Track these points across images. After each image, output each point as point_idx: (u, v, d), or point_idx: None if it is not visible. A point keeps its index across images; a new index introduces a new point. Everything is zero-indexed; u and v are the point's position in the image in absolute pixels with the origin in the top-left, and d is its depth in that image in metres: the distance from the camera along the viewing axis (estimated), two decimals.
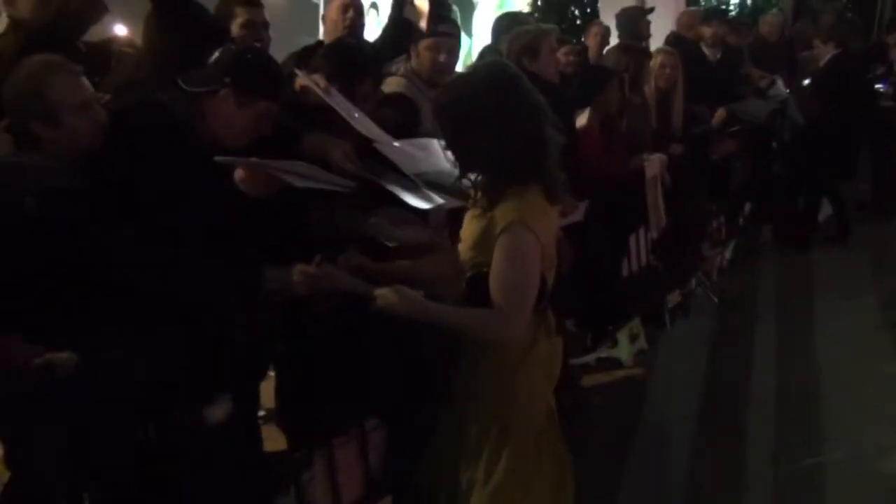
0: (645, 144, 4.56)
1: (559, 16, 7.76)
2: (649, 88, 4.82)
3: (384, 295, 2.05)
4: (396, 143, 2.51)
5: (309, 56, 2.99)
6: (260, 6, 3.35)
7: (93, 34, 3.11)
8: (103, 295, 2.01)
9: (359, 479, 2.68)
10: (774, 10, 8.29)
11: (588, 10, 8.00)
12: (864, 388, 4.10)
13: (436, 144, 2.29)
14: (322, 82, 2.48)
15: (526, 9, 7.91)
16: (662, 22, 6.16)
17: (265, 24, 3.31)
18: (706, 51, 5.94)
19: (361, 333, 2.50)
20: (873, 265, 6.07)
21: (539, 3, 8.01)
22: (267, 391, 2.90)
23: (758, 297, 5.60)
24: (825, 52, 6.27)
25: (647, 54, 4.86)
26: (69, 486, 2.03)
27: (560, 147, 2.08)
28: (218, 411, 2.27)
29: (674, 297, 5.05)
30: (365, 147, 2.46)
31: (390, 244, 2.39)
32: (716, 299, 5.37)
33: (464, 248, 2.13)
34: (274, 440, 2.84)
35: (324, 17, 3.96)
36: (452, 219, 2.50)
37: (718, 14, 6.77)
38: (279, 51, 3.16)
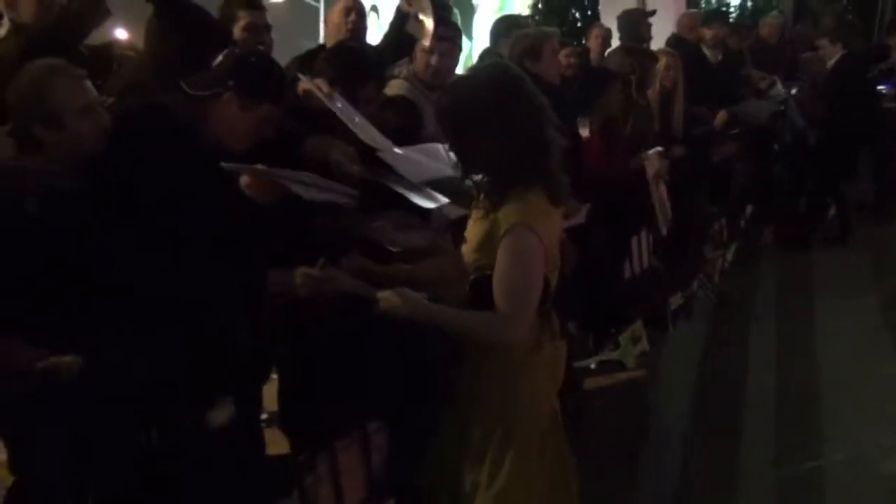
0: (648, 146, 4.57)
1: (560, 18, 7.76)
2: (653, 91, 4.82)
3: (387, 297, 2.05)
4: (400, 151, 2.51)
5: (312, 60, 2.99)
6: (262, 9, 3.35)
7: (94, 38, 3.11)
8: (106, 297, 2.01)
9: (362, 481, 2.68)
10: (774, 13, 8.29)
11: (589, 13, 8.00)
12: (865, 389, 4.11)
13: (440, 149, 2.29)
14: (325, 87, 2.48)
15: (526, 11, 7.92)
16: (663, 24, 6.16)
17: (267, 27, 3.32)
18: (707, 52, 5.95)
19: (364, 335, 2.50)
20: (873, 266, 6.07)
21: (540, 5, 8.01)
22: (269, 394, 2.91)
23: (759, 299, 5.60)
24: (833, 53, 6.28)
25: (653, 56, 4.86)
26: (72, 490, 2.03)
27: (563, 149, 2.08)
28: (220, 415, 2.26)
29: (676, 300, 5.05)
30: (368, 151, 2.47)
31: (393, 249, 2.39)
32: (717, 301, 5.37)
33: (467, 250, 2.13)
34: (276, 443, 2.84)
35: (325, 21, 3.97)
36: (455, 221, 2.51)
37: (719, 16, 6.77)
38: (279, 54, 3.16)
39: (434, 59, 3.19)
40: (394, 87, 3.12)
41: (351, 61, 2.66)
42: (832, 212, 6.77)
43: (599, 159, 4.07)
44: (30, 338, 1.92)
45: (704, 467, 3.47)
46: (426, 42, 3.19)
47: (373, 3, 6.08)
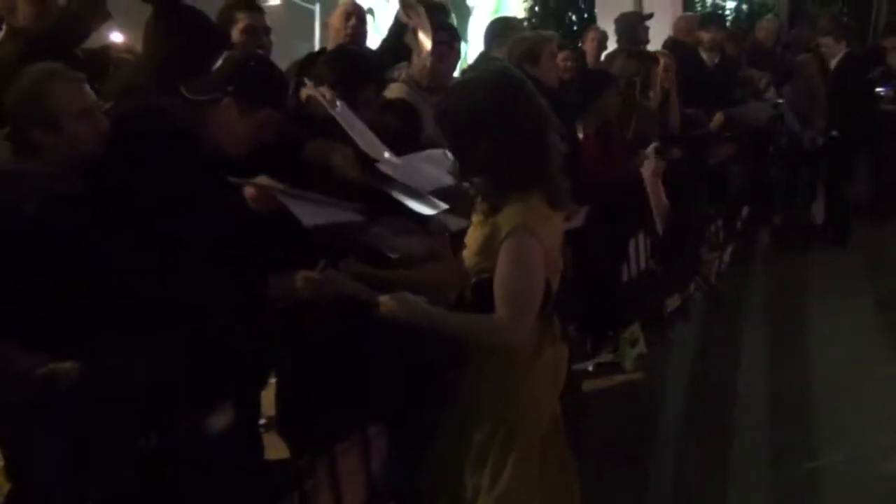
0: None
1: (556, 21, 7.78)
2: (655, 93, 4.83)
3: (386, 301, 2.05)
4: (400, 161, 2.50)
5: (312, 64, 2.98)
6: (261, 11, 3.34)
7: (89, 42, 3.11)
8: (104, 301, 2.00)
9: (362, 485, 2.67)
10: (770, 16, 8.31)
11: (585, 16, 8.02)
12: (863, 390, 4.11)
13: (442, 155, 2.29)
14: (329, 94, 2.48)
15: (522, 14, 7.93)
16: (659, 27, 6.18)
17: (266, 30, 3.31)
18: (704, 55, 5.96)
19: (363, 339, 2.49)
20: (871, 267, 6.09)
21: (536, 8, 8.03)
22: (266, 398, 2.89)
23: (756, 301, 5.61)
24: (836, 51, 6.32)
25: (655, 59, 4.87)
26: (71, 497, 2.02)
27: (563, 154, 2.08)
28: (220, 420, 2.25)
29: (673, 302, 5.07)
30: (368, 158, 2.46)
31: (392, 255, 2.38)
32: (715, 303, 5.38)
33: (468, 254, 2.13)
34: (275, 448, 2.83)
35: (325, 24, 3.97)
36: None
37: (716, 19, 6.80)
38: (275, 57, 3.15)
39: (432, 63, 3.19)
40: (392, 91, 3.12)
41: (351, 65, 2.65)
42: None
43: (596, 162, 4.07)
44: (28, 342, 1.91)
45: (702, 468, 3.47)
46: (424, 56, 3.19)
47: (368, 6, 6.08)
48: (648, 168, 4.43)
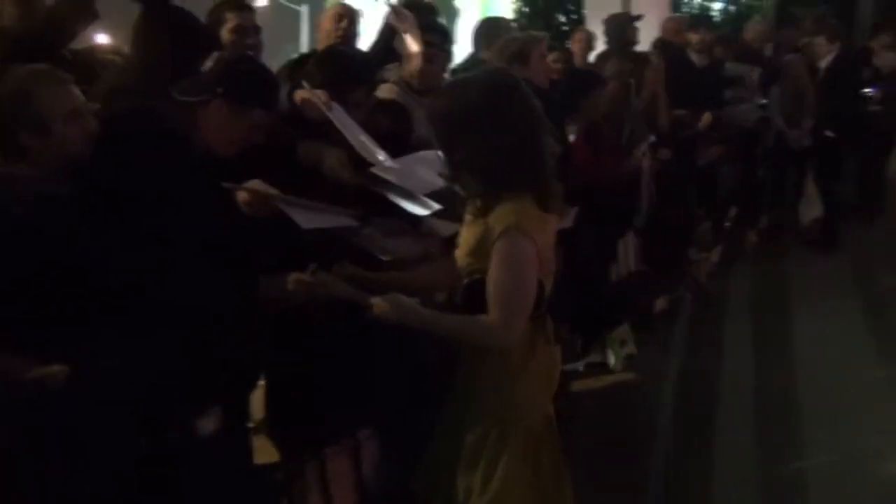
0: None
1: (545, 22, 7.78)
2: (646, 93, 4.85)
3: (378, 303, 2.04)
4: (395, 165, 2.49)
5: (303, 65, 2.97)
6: (251, 10, 3.32)
7: (75, 43, 3.08)
8: (94, 303, 1.98)
9: (352, 489, 2.67)
10: (757, 17, 8.35)
11: (573, 16, 8.03)
12: (848, 391, 4.15)
13: (434, 157, 2.28)
14: (325, 97, 2.46)
15: (510, 15, 7.93)
16: (647, 28, 6.19)
17: (256, 29, 3.29)
18: (693, 57, 5.98)
19: (355, 341, 2.48)
20: (858, 268, 6.13)
21: (524, 9, 8.03)
22: (256, 401, 2.87)
23: (745, 301, 5.64)
24: (827, 52, 6.36)
25: (647, 60, 4.88)
26: (63, 498, 1.99)
27: (556, 157, 2.08)
28: (209, 423, 2.24)
29: (662, 302, 5.08)
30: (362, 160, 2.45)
31: (384, 258, 2.38)
32: (703, 304, 5.40)
33: (460, 254, 2.12)
34: (265, 451, 2.81)
35: (317, 26, 3.96)
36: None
37: (706, 21, 6.83)
38: (262, 58, 3.14)
39: (422, 65, 3.18)
40: (383, 92, 3.11)
41: (341, 66, 2.64)
42: (814, 214, 6.83)
43: (586, 162, 4.08)
44: (17, 345, 1.88)
45: (690, 468, 3.49)
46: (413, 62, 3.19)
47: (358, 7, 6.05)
48: (646, 163, 4.46)
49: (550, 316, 2.24)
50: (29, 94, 2.06)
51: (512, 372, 2.11)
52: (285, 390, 2.71)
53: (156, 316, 2.04)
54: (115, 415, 1.97)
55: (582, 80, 4.58)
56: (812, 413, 3.94)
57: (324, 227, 2.16)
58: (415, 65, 3.18)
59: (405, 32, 3.21)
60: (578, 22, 7.70)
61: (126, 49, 3.03)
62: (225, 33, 3.18)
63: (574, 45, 5.84)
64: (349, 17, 3.62)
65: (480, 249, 2.04)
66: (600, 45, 5.84)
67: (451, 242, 2.25)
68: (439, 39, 3.27)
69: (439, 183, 2.33)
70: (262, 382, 2.88)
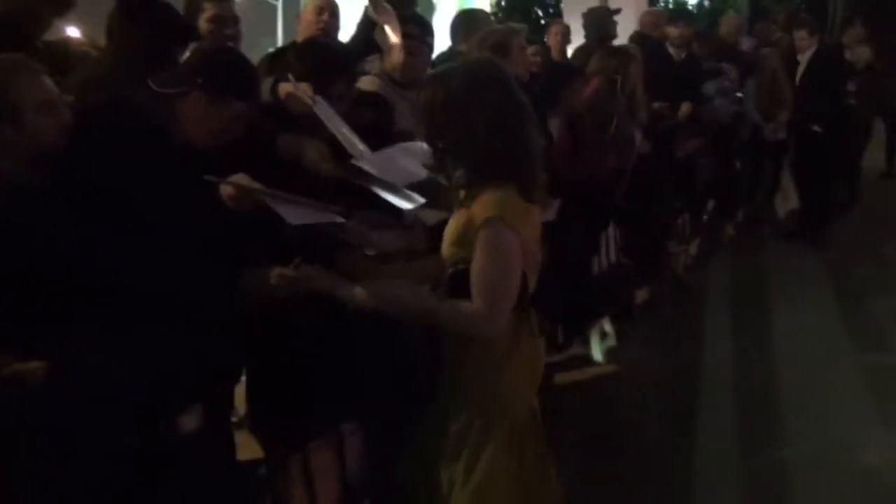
0: (631, 144, 4.59)
1: (522, 16, 7.79)
2: (628, 87, 4.85)
3: (359, 292, 2.02)
4: (378, 156, 2.47)
5: (283, 57, 2.93)
6: (229, 0, 3.27)
7: (46, 35, 3.02)
8: (69, 297, 1.94)
9: (336, 483, 2.65)
10: (731, 12, 8.42)
11: (551, 10, 8.04)
12: (830, 381, 4.20)
13: (419, 148, 2.26)
14: (310, 91, 2.43)
15: (488, 9, 7.92)
16: (624, 22, 6.21)
17: (235, 19, 3.24)
18: (672, 51, 6.00)
19: (338, 335, 2.46)
20: (835, 259, 6.21)
21: (502, 2, 8.03)
22: (238, 396, 2.84)
23: (723, 293, 5.69)
24: (807, 46, 6.41)
25: (633, 56, 4.88)
26: (47, 497, 1.95)
27: (541, 148, 2.07)
28: (191, 420, 2.21)
29: (642, 294, 5.11)
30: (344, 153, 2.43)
31: (368, 252, 2.36)
32: (682, 296, 5.43)
33: (445, 244, 2.11)
34: (248, 447, 2.78)
35: (288, 20, 3.92)
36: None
37: (685, 15, 6.86)
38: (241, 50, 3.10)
39: (404, 58, 3.16)
40: (364, 84, 3.08)
41: (322, 58, 2.61)
42: (791, 206, 6.90)
43: (569, 155, 4.08)
44: None
45: (674, 461, 3.50)
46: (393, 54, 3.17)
47: None
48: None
49: (537, 308, 2.23)
50: (2, 84, 2.02)
51: (496, 363, 2.10)
52: (268, 384, 2.68)
53: (135, 311, 2.00)
54: (103, 412, 1.94)
55: (561, 73, 4.57)
56: (792, 403, 3.98)
57: (309, 223, 2.13)
58: (395, 57, 3.15)
59: (385, 24, 3.18)
60: (556, 16, 7.71)
61: (100, 41, 2.98)
62: (203, 23, 3.13)
63: (551, 39, 5.82)
64: (330, 10, 3.59)
65: (464, 239, 2.03)
66: (577, 39, 5.85)
67: (436, 233, 2.23)
68: (419, 31, 3.24)
69: (422, 173, 2.31)
70: (244, 377, 2.86)
